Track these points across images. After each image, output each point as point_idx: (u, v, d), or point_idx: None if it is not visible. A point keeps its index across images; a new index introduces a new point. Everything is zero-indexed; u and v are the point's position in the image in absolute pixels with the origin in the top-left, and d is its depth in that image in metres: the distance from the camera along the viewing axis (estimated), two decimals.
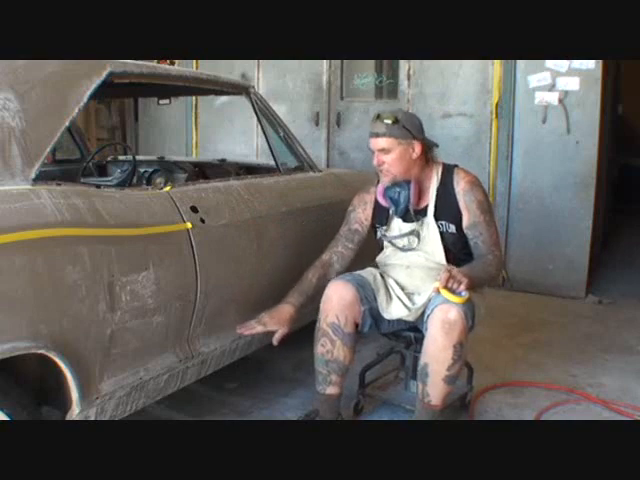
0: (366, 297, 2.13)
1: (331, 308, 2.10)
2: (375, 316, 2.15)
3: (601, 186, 4.36)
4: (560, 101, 3.95)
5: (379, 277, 2.21)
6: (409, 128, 2.09)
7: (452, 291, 1.89)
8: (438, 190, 2.16)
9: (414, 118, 2.16)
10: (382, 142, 2.09)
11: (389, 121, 2.08)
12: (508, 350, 3.11)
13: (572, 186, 4.00)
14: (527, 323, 3.57)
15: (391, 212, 2.20)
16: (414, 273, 2.18)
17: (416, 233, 2.17)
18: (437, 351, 1.97)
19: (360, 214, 2.29)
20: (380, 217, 2.26)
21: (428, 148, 2.17)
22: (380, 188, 2.20)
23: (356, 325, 2.13)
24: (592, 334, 3.38)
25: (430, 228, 2.15)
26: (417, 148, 2.11)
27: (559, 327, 3.51)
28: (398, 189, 2.15)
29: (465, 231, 2.14)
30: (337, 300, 2.09)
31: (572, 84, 3.89)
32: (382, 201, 2.20)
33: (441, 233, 2.14)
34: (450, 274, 1.90)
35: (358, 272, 2.21)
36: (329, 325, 2.10)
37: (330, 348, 2.11)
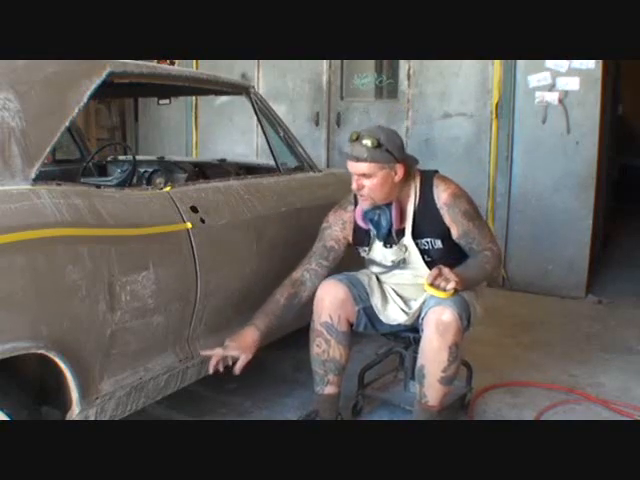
0: (359, 296, 2.12)
1: (323, 308, 2.09)
2: (370, 315, 2.15)
3: (601, 186, 4.36)
4: (560, 101, 3.94)
5: (374, 279, 2.19)
6: (391, 150, 1.95)
7: (439, 289, 1.88)
8: (417, 209, 2.06)
9: (396, 137, 2.01)
10: (363, 167, 1.94)
11: (369, 144, 1.92)
12: (508, 350, 3.11)
13: (572, 186, 3.99)
14: (527, 323, 3.56)
15: (372, 235, 2.11)
16: (404, 289, 2.17)
17: (402, 260, 2.09)
18: (432, 353, 1.96)
19: (337, 232, 2.15)
20: (360, 238, 2.15)
21: (409, 167, 2.04)
22: (359, 211, 2.08)
23: (350, 324, 2.13)
24: (592, 334, 3.38)
25: (410, 249, 2.08)
26: (400, 171, 1.98)
27: (559, 327, 3.51)
28: (378, 211, 2.04)
29: (458, 241, 2.07)
30: (329, 300, 2.08)
31: (572, 84, 3.89)
32: (362, 224, 2.08)
33: (426, 251, 2.07)
34: (439, 272, 1.87)
35: (352, 273, 2.19)
36: (322, 325, 2.10)
37: (325, 348, 2.11)
